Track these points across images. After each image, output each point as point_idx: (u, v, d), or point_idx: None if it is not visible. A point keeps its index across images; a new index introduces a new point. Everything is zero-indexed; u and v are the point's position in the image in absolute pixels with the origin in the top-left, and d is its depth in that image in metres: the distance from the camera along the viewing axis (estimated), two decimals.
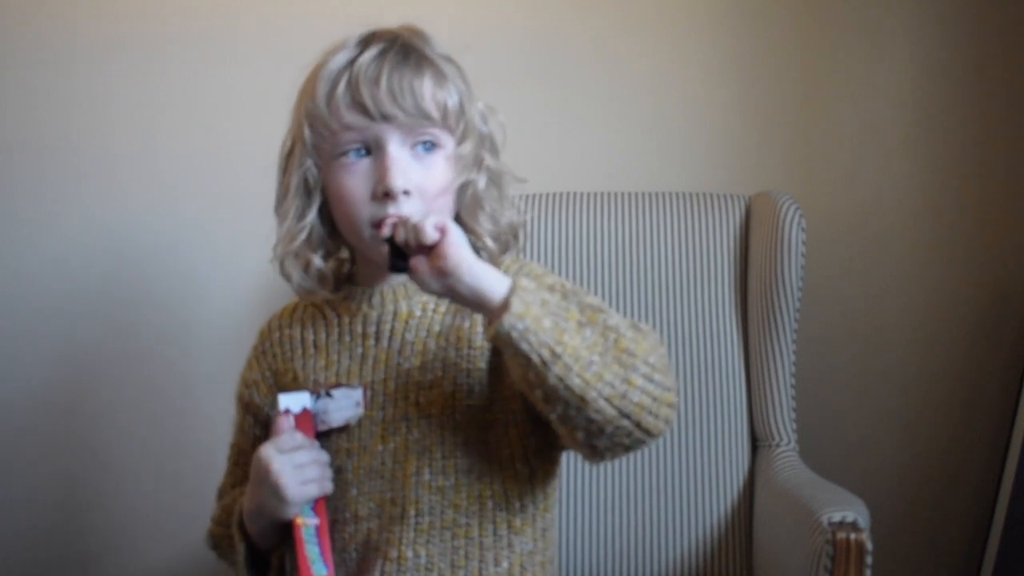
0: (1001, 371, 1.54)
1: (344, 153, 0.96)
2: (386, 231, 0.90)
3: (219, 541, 1.05)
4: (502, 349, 0.86)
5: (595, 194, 1.42)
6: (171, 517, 1.55)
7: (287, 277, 1.01)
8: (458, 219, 1.00)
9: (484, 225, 1.00)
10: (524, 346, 0.83)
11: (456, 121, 0.98)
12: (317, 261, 1.00)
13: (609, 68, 1.55)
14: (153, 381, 1.56)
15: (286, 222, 1.00)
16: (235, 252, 1.55)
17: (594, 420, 0.85)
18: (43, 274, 1.55)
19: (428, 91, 0.96)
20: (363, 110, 0.94)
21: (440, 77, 0.97)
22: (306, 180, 0.99)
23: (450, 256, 0.85)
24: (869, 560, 1.02)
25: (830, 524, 1.04)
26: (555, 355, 0.83)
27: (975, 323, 1.55)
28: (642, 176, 1.53)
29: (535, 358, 0.83)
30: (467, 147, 0.99)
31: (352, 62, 0.96)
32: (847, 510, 1.05)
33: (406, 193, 0.94)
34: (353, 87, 0.94)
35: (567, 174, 1.52)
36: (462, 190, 1.00)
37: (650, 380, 0.86)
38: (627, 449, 0.88)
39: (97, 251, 1.55)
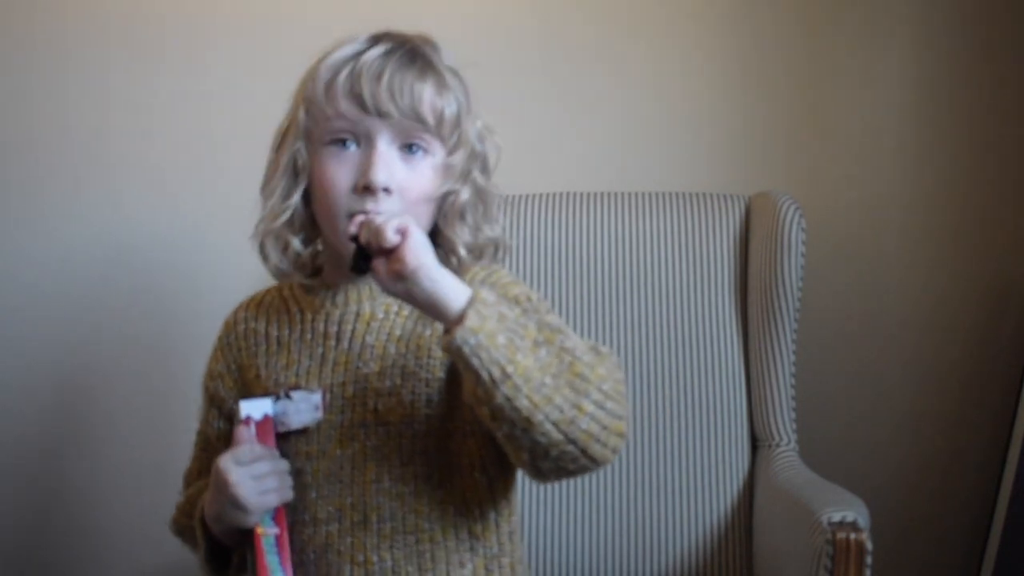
0: (1001, 371, 1.54)
1: (334, 141, 0.96)
2: (352, 229, 0.89)
3: (183, 530, 1.05)
4: (455, 361, 0.84)
5: (595, 194, 1.42)
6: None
7: (265, 257, 1.01)
8: (437, 227, 1.00)
9: (462, 236, 1.00)
10: (475, 362, 0.81)
11: (450, 131, 0.98)
12: (296, 244, 1.00)
13: (609, 68, 1.55)
14: (149, 383, 1.56)
15: (271, 200, 1.00)
16: (234, 254, 1.54)
17: (539, 443, 0.83)
18: (38, 277, 1.55)
19: (427, 96, 0.96)
20: (359, 102, 0.94)
21: (442, 86, 0.98)
22: (295, 162, 0.99)
23: (408, 261, 0.84)
24: (869, 560, 1.02)
25: (830, 524, 1.04)
26: (505, 374, 0.81)
27: (975, 323, 1.55)
28: (642, 176, 1.53)
29: (484, 375, 0.81)
30: (457, 157, 0.98)
31: (359, 55, 0.96)
32: (847, 510, 1.05)
33: (386, 191, 0.94)
34: (354, 78, 0.95)
35: (567, 174, 1.52)
36: (444, 199, 0.99)
37: (601, 407, 0.84)
38: (571, 474, 0.87)
39: (93, 254, 1.55)
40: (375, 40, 0.98)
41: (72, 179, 1.55)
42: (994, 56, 1.52)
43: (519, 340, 0.84)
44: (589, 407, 0.84)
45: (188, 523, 1.02)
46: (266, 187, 1.01)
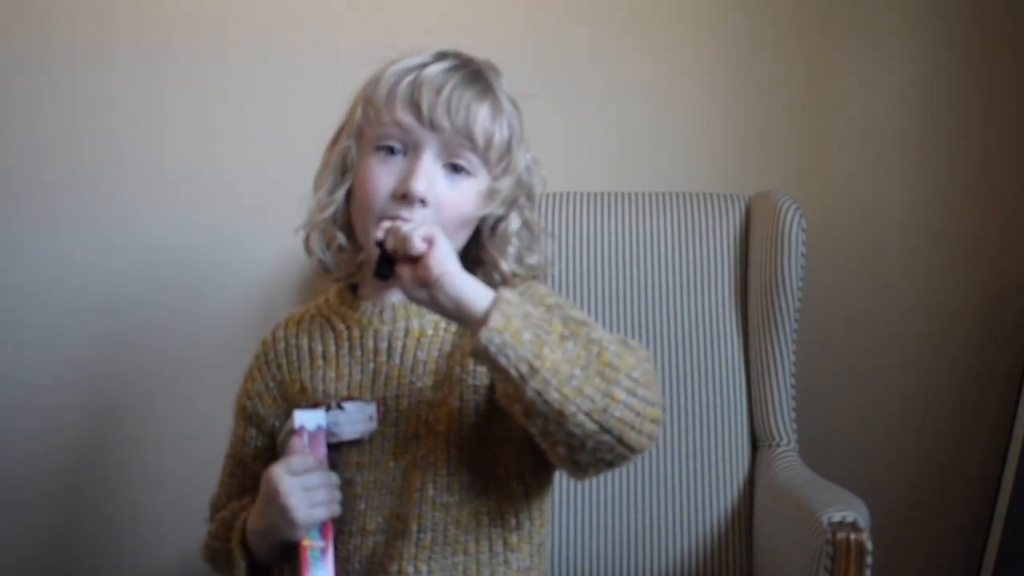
0: (1001, 371, 1.54)
1: (382, 147, 0.98)
2: (379, 235, 0.90)
3: (216, 555, 1.04)
4: (483, 364, 0.85)
5: (595, 194, 1.42)
6: (185, 517, 1.54)
7: (309, 251, 1.03)
8: (483, 249, 1.02)
9: (509, 262, 1.01)
10: (502, 360, 0.82)
11: (498, 157, 1.00)
12: (341, 239, 1.02)
13: (609, 69, 1.55)
14: (158, 384, 1.56)
15: (319, 192, 1.03)
16: (242, 259, 1.54)
17: (574, 435, 0.84)
18: (46, 278, 1.54)
19: (481, 118, 0.98)
20: (416, 112, 0.96)
21: (497, 111, 1.00)
22: (344, 159, 1.02)
23: (433, 267, 0.86)
24: (869, 560, 1.02)
25: (830, 524, 1.04)
26: (533, 369, 0.82)
27: (975, 322, 1.55)
28: (642, 176, 1.53)
29: (513, 372, 0.82)
30: (504, 183, 1.00)
31: (423, 67, 0.98)
32: (847, 510, 1.05)
33: (423, 202, 0.96)
34: (415, 87, 0.97)
35: (567, 174, 1.51)
36: (495, 225, 1.01)
37: (633, 394, 0.85)
38: (609, 465, 0.87)
39: (102, 260, 1.54)
40: (441, 56, 1.00)
41: (76, 182, 1.54)
42: (994, 56, 1.52)
43: (545, 335, 0.84)
44: (621, 395, 0.84)
45: (223, 546, 1.01)
46: (317, 179, 1.04)
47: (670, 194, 1.41)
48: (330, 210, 1.01)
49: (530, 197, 1.05)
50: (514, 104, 1.04)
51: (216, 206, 1.54)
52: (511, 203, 1.02)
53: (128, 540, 1.57)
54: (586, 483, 1.32)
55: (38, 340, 1.55)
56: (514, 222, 1.02)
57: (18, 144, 1.54)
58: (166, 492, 1.56)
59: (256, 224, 1.53)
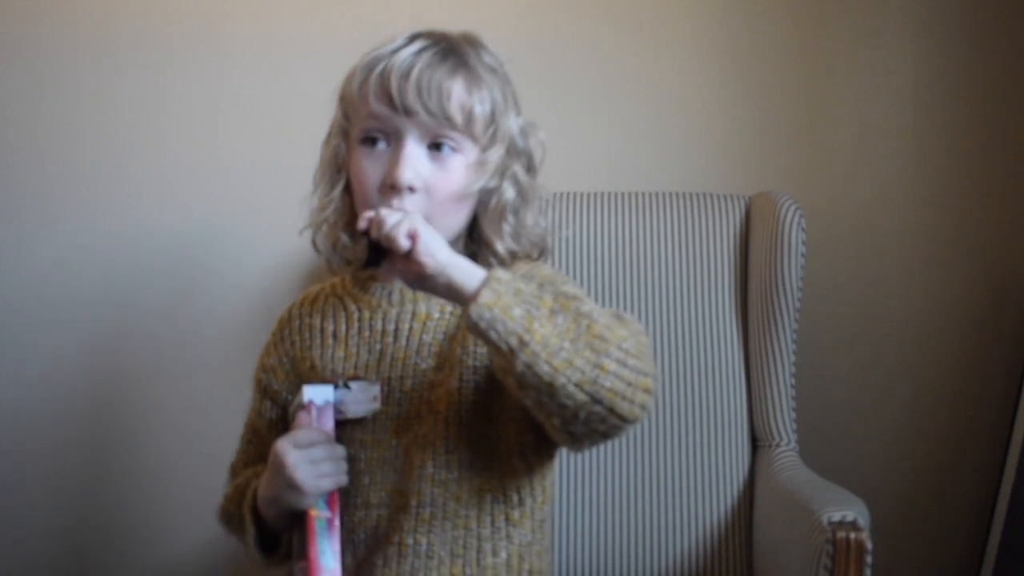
0: (1001, 371, 1.54)
1: (366, 140, 0.99)
2: (361, 224, 0.91)
3: (230, 518, 1.07)
4: (477, 337, 0.87)
5: (595, 194, 1.42)
6: (192, 513, 1.54)
7: (318, 250, 1.05)
8: (478, 227, 1.02)
9: (505, 239, 1.02)
10: (492, 335, 0.84)
11: (483, 129, 0.99)
12: (345, 239, 1.03)
13: (609, 68, 1.55)
14: (159, 380, 1.56)
15: (319, 191, 1.04)
16: (242, 252, 1.55)
17: (566, 406, 0.85)
18: (46, 277, 1.55)
19: (456, 94, 0.97)
20: (388, 101, 0.96)
21: (474, 83, 0.99)
22: (336, 156, 1.03)
23: (425, 263, 0.87)
24: (869, 560, 1.02)
25: (830, 524, 1.04)
26: (523, 343, 0.83)
27: (975, 323, 1.55)
28: (642, 176, 1.53)
29: (503, 346, 0.84)
30: (493, 154, 1.00)
31: (393, 53, 0.98)
32: (847, 510, 1.06)
33: (411, 189, 0.96)
34: (384, 77, 0.97)
35: (567, 174, 1.52)
36: (486, 198, 1.01)
37: (624, 365, 0.86)
38: (604, 436, 0.89)
39: (100, 254, 1.55)
40: (412, 38, 1.00)
41: (77, 179, 1.54)
42: (994, 55, 1.52)
43: (535, 311, 0.85)
44: (611, 365, 0.85)
45: (236, 510, 1.04)
46: (315, 178, 1.05)
47: (670, 194, 1.42)
48: (330, 208, 1.02)
49: (529, 165, 1.05)
50: (496, 71, 1.02)
51: (216, 203, 1.55)
52: (503, 173, 1.01)
53: (132, 535, 1.58)
54: (587, 483, 1.32)
55: (38, 338, 1.55)
56: (507, 192, 1.01)
57: (17, 142, 1.54)
58: (168, 487, 1.56)
59: (257, 221, 1.53)
